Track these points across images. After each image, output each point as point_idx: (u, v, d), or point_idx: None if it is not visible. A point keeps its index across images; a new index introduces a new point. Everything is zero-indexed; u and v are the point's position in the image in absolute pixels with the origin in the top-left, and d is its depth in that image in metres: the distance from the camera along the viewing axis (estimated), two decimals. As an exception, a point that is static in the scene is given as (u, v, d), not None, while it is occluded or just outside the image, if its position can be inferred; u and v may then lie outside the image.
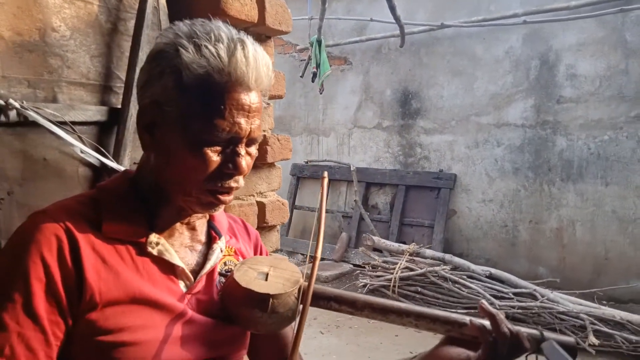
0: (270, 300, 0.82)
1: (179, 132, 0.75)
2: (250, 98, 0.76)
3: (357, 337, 3.05)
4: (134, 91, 1.11)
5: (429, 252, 3.66)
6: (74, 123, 1.02)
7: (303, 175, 5.20)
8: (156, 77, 0.77)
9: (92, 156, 1.04)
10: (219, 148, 0.76)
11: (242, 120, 0.75)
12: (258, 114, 0.78)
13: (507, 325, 0.79)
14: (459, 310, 3.11)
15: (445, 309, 3.24)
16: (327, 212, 4.90)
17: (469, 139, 4.16)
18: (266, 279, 0.87)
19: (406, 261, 3.61)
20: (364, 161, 4.86)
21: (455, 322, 0.82)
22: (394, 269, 3.59)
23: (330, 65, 4.27)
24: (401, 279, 3.49)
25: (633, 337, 2.65)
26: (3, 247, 0.72)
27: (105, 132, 1.10)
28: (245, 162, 0.79)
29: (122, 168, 1.07)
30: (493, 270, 3.30)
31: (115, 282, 0.73)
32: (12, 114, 0.91)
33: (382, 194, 4.74)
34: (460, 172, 4.23)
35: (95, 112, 1.07)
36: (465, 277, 3.32)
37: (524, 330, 0.79)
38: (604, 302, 3.27)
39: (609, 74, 3.52)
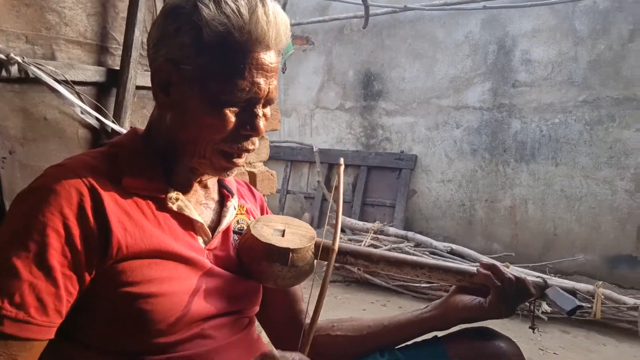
0: (290, 254, 0.85)
1: (197, 92, 0.74)
2: (270, 57, 0.76)
3: (325, 312, 3.09)
4: (133, 52, 1.08)
5: (392, 230, 3.77)
6: (73, 83, 0.99)
7: (265, 156, 5.17)
8: (172, 34, 0.75)
9: (93, 117, 1.01)
10: (236, 109, 0.76)
11: (262, 81, 0.75)
12: (275, 74, 0.79)
13: (510, 272, 0.86)
14: (422, 285, 3.25)
15: (410, 284, 3.38)
16: (288, 193, 4.97)
17: (430, 120, 4.29)
18: (283, 235, 0.89)
19: (371, 239, 3.70)
20: (327, 142, 4.90)
21: (466, 273, 0.88)
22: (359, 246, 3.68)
23: (293, 45, 4.25)
24: (366, 255, 3.58)
25: (580, 303, 2.87)
26: (21, 196, 0.70)
27: (104, 94, 1.07)
28: (263, 123, 0.79)
29: (122, 130, 1.05)
30: (454, 246, 3.45)
31: (141, 235, 0.73)
32: (14, 69, 0.88)
33: (344, 175, 4.80)
34: (421, 153, 4.36)
35: (94, 73, 1.03)
36: (427, 253, 3.45)
37: (529, 278, 0.87)
38: (552, 274, 3.51)
39: (560, 60, 3.73)
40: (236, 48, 0.73)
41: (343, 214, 4.28)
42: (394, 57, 4.44)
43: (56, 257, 0.66)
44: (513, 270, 0.87)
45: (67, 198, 0.68)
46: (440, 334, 0.94)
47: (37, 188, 0.71)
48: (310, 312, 0.73)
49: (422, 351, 0.92)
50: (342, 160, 1.00)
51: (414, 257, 0.90)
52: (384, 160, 4.52)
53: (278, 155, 5.07)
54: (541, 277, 0.89)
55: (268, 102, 0.80)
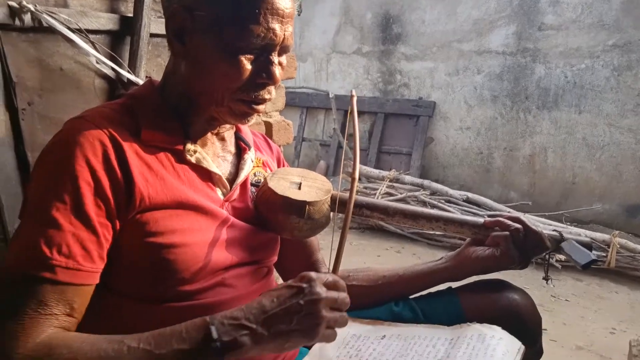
0: (307, 207, 0.86)
1: (211, 39, 0.73)
2: (285, 2, 0.74)
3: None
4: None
5: (408, 178, 3.76)
6: (87, 31, 0.97)
7: (280, 102, 5.12)
8: None
9: (108, 67, 1.00)
10: (252, 56, 0.75)
11: (277, 26, 0.74)
12: (291, 20, 0.77)
13: (528, 223, 0.86)
14: (437, 232, 3.28)
15: (424, 231, 3.42)
16: (304, 140, 4.94)
17: (450, 66, 4.16)
18: (299, 188, 0.90)
19: (386, 187, 3.71)
20: (343, 88, 4.81)
21: (482, 226, 0.88)
22: (375, 194, 3.69)
23: (309, -14, 4.09)
24: (381, 203, 3.60)
25: (596, 253, 2.88)
26: (46, 151, 0.72)
27: (118, 43, 1.05)
28: (278, 71, 0.78)
29: (138, 80, 1.04)
30: (470, 195, 3.44)
31: (162, 187, 0.75)
32: (27, 18, 0.86)
33: (360, 122, 4.75)
34: (440, 99, 4.26)
35: (107, 20, 1.01)
36: (443, 201, 3.46)
37: (545, 232, 0.87)
38: (569, 223, 3.51)
39: (591, 1, 3.53)
40: None
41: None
42: (415, -3, 4.25)
43: (91, 207, 0.68)
44: (531, 223, 0.86)
45: (92, 149, 0.70)
46: (454, 285, 0.95)
47: (61, 141, 0.72)
48: (332, 259, 0.77)
49: (436, 301, 0.94)
50: (354, 92, 0.97)
51: (430, 211, 0.90)
52: (402, 107, 4.44)
53: (293, 101, 5.01)
54: (557, 230, 0.89)
55: (284, 49, 0.78)
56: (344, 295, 0.69)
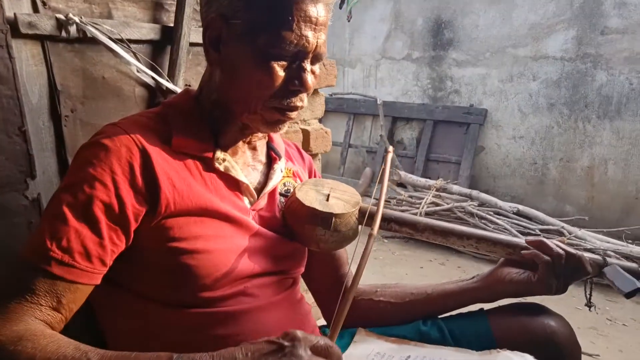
0: (333, 219, 0.85)
1: (245, 46, 0.74)
2: (318, 10, 0.74)
3: (382, 267, 3.13)
4: (187, 9, 1.08)
5: (455, 187, 3.66)
6: (129, 41, 1.01)
7: (327, 108, 5.12)
8: None
9: (148, 75, 1.03)
10: (285, 63, 0.75)
11: (309, 34, 0.74)
12: (324, 28, 0.77)
13: (563, 248, 0.80)
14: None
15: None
16: (350, 147, 4.93)
17: (503, 72, 4.01)
18: (327, 200, 0.89)
19: (432, 196, 3.62)
20: (391, 94, 4.76)
21: (517, 246, 0.83)
22: (420, 204, 3.61)
23: (360, -8, 4.07)
24: (427, 214, 3.52)
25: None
26: (79, 150, 0.75)
27: (159, 52, 1.09)
28: (311, 79, 0.78)
29: (177, 88, 1.07)
30: (521, 207, 3.29)
31: (188, 193, 0.76)
32: (72, 30, 0.90)
33: (408, 129, 4.68)
34: (492, 107, 4.12)
35: (149, 30, 1.05)
36: (492, 213, 3.33)
37: (587, 255, 0.81)
38: (630, 241, 3.28)
39: (662, 3, 3.30)
40: (284, 0, 0.72)
41: (405, 171, 4.18)
42: (468, 2, 4.14)
43: (101, 209, 0.69)
44: (569, 247, 0.81)
45: (117, 155, 0.72)
46: (487, 306, 0.91)
47: (92, 144, 0.74)
48: (334, 319, 0.67)
49: (466, 323, 0.89)
50: (391, 148, 0.97)
51: (462, 227, 0.86)
52: (452, 114, 4.33)
53: (341, 107, 5.01)
54: (600, 254, 0.82)
55: (316, 57, 0.78)
56: None
